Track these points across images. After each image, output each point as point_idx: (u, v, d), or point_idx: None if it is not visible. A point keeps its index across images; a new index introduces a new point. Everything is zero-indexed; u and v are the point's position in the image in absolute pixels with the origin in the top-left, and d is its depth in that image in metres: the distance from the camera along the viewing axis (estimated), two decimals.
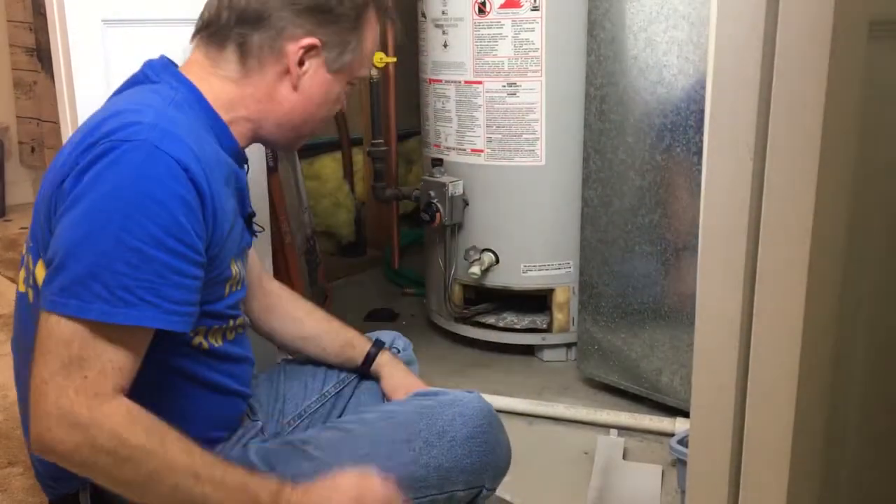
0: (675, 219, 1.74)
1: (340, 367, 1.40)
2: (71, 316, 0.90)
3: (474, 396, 1.20)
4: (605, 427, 1.82)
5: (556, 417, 1.86)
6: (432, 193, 2.10)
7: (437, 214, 2.08)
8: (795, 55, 0.68)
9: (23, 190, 4.11)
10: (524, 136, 2.04)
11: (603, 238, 1.88)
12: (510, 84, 2.01)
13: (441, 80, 2.12)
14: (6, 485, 1.64)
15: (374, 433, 1.14)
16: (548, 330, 2.16)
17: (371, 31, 1.16)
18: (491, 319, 2.22)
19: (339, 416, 1.38)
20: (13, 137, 3.99)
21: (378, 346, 1.39)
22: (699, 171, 1.57)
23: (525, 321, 2.19)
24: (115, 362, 0.92)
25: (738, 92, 0.71)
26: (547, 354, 2.19)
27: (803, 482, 0.77)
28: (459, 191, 2.10)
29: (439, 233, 2.18)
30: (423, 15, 2.16)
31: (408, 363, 1.48)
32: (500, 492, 1.53)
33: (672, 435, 1.66)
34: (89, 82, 1.48)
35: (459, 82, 2.08)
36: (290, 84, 1.11)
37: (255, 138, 1.16)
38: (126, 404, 0.92)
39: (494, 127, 2.05)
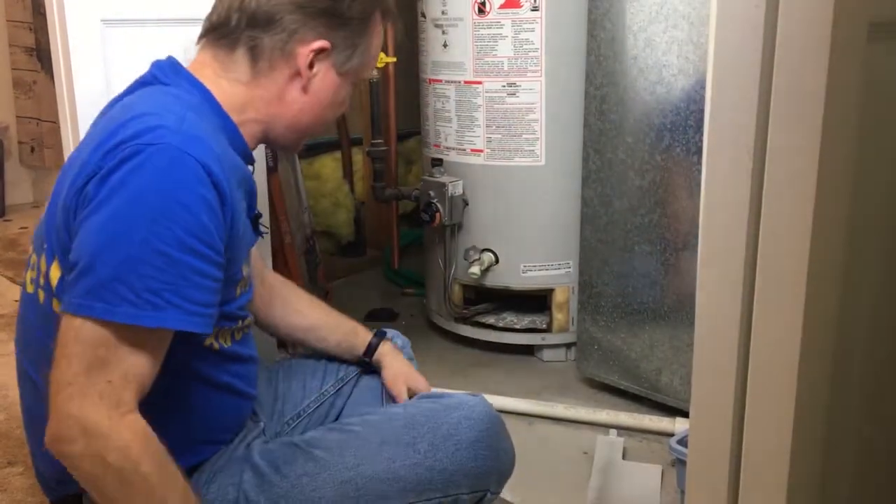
0: (675, 218, 1.74)
1: (341, 358, 1.41)
2: (97, 319, 0.90)
3: (479, 400, 1.20)
4: (605, 427, 1.82)
5: (556, 417, 1.86)
6: (432, 193, 2.10)
7: (437, 214, 2.09)
8: (795, 56, 0.68)
9: (22, 190, 4.11)
10: (524, 136, 2.04)
11: (602, 238, 1.88)
12: (510, 84, 2.01)
13: (441, 80, 2.12)
14: (6, 484, 1.64)
15: (379, 435, 1.14)
16: (547, 330, 2.16)
17: (377, 34, 1.18)
18: (491, 319, 2.22)
19: (338, 416, 1.38)
20: (13, 137, 3.99)
21: (380, 336, 1.41)
22: (699, 171, 1.57)
23: (525, 321, 2.19)
24: (137, 367, 0.93)
25: (737, 92, 0.71)
26: (547, 354, 2.19)
27: (803, 482, 0.77)
28: (459, 191, 2.11)
29: (439, 233, 2.18)
30: (423, 15, 2.16)
31: None
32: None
33: (672, 435, 1.66)
34: (89, 82, 1.48)
35: (459, 82, 2.08)
36: (300, 86, 1.12)
37: (263, 139, 1.16)
38: (143, 425, 0.93)
39: (494, 127, 2.05)
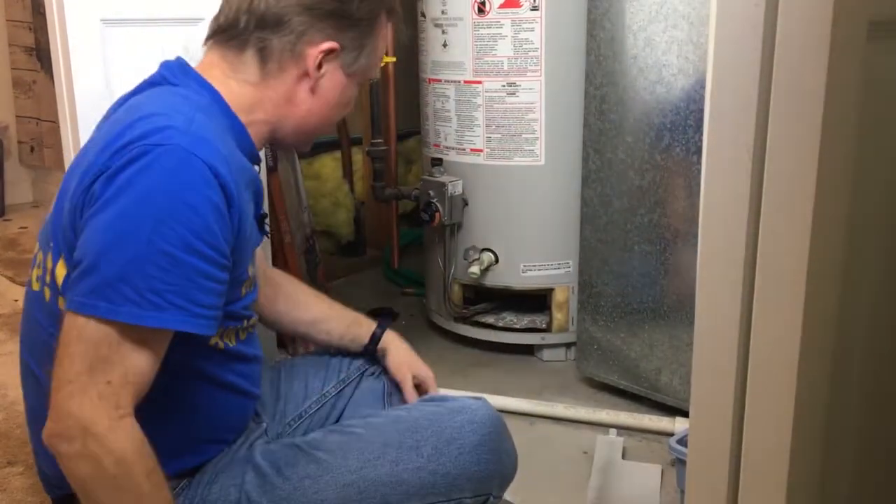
0: (675, 218, 1.74)
1: (346, 349, 1.42)
2: (100, 318, 0.91)
3: (482, 404, 1.20)
4: (605, 426, 1.82)
5: (556, 417, 1.86)
6: (432, 193, 2.10)
7: (437, 214, 2.08)
8: (795, 55, 0.68)
9: (22, 189, 4.11)
10: (523, 135, 2.04)
11: (602, 238, 1.88)
12: (509, 84, 2.01)
13: (440, 80, 2.12)
14: (6, 484, 1.64)
15: (383, 438, 1.14)
16: (547, 329, 2.16)
17: (383, 35, 1.18)
18: (490, 319, 2.22)
19: (339, 417, 1.38)
20: (12, 137, 3.99)
21: (383, 326, 1.43)
22: (698, 171, 1.57)
23: (524, 321, 2.19)
24: (137, 367, 0.93)
25: (737, 92, 0.71)
26: (546, 354, 2.19)
27: (803, 482, 0.77)
28: (459, 190, 2.11)
29: (439, 232, 2.18)
30: (423, 14, 2.16)
31: None
32: None
33: (671, 434, 1.66)
34: (88, 82, 1.48)
35: (459, 82, 2.08)
36: (309, 87, 1.12)
37: (271, 139, 1.17)
38: (139, 431, 0.94)
39: (494, 126, 2.05)
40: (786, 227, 0.71)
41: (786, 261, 0.71)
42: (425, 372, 1.42)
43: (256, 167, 1.17)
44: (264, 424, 1.27)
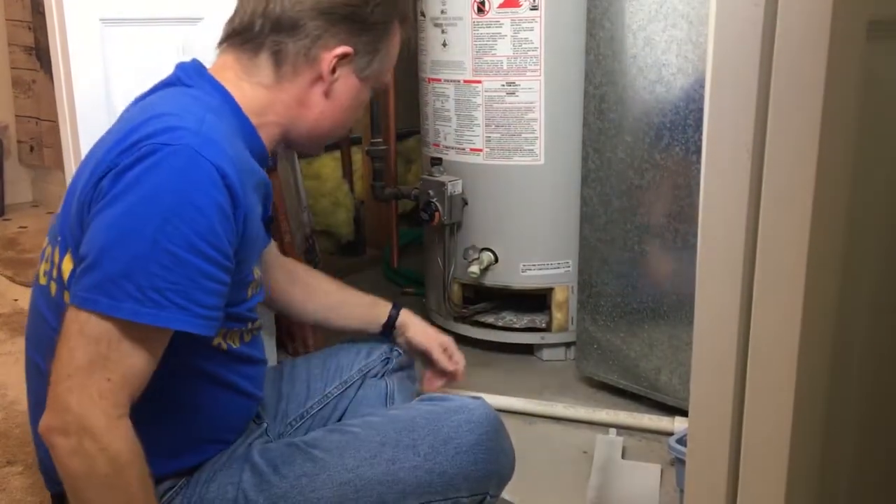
0: (674, 218, 1.74)
1: (364, 331, 1.49)
2: (101, 313, 0.91)
3: (480, 403, 1.20)
4: (604, 426, 1.82)
5: (555, 416, 1.86)
6: (431, 192, 2.10)
7: (436, 213, 2.09)
8: (794, 55, 0.68)
9: (22, 189, 4.11)
10: (523, 135, 2.04)
11: (602, 237, 1.88)
12: (509, 83, 2.01)
13: (440, 80, 2.12)
14: (5, 484, 1.64)
15: (380, 437, 1.14)
16: (547, 329, 2.16)
17: (396, 39, 1.20)
18: (490, 319, 2.22)
19: (341, 417, 1.39)
20: (12, 136, 3.99)
21: (398, 306, 1.51)
22: (698, 170, 1.57)
23: (524, 320, 2.19)
24: (136, 367, 0.94)
25: (736, 91, 0.71)
26: (546, 353, 2.19)
27: (802, 481, 0.77)
28: (458, 190, 2.11)
29: (438, 232, 2.18)
30: (423, 14, 2.16)
31: (407, 367, 1.49)
32: None
33: (671, 434, 1.66)
34: (88, 81, 1.48)
35: (458, 81, 2.08)
36: (322, 91, 1.14)
37: (283, 142, 1.18)
38: (133, 433, 0.94)
39: (493, 126, 2.05)
40: (785, 227, 0.71)
41: (785, 260, 0.71)
42: (445, 338, 1.52)
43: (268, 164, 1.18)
44: (265, 425, 1.28)
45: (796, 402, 0.73)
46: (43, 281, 1.09)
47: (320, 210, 3.03)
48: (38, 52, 3.72)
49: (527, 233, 2.11)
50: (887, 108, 0.81)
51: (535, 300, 2.18)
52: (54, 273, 1.05)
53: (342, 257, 3.11)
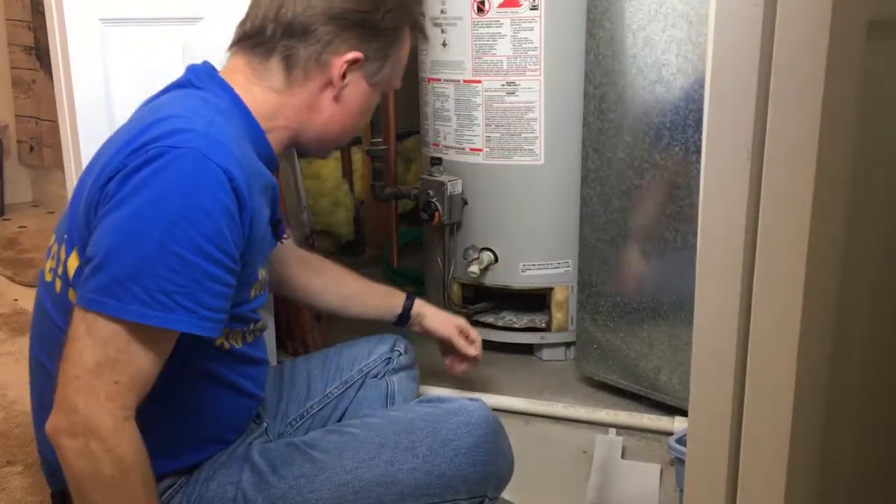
0: (674, 218, 1.74)
1: (379, 320, 1.56)
2: (108, 315, 0.92)
3: (479, 405, 1.21)
4: (604, 426, 1.82)
5: (555, 416, 1.86)
6: (431, 192, 2.10)
7: (436, 213, 2.08)
8: (794, 55, 0.68)
9: (22, 189, 4.11)
10: (523, 134, 2.04)
11: (602, 237, 1.88)
12: (509, 83, 2.01)
13: (440, 80, 2.12)
14: (5, 483, 1.64)
15: (379, 438, 1.14)
16: (547, 329, 2.16)
17: (406, 45, 1.22)
18: (490, 318, 2.22)
19: (341, 418, 1.39)
20: (12, 136, 3.99)
21: (412, 296, 1.59)
22: (698, 170, 1.57)
23: (524, 320, 2.19)
24: (143, 368, 0.95)
25: (736, 91, 0.71)
26: (546, 353, 2.19)
27: (801, 481, 0.77)
28: (458, 190, 2.11)
29: (438, 232, 2.18)
30: (422, 14, 2.15)
31: (408, 367, 1.50)
32: None
33: (671, 434, 1.66)
34: (88, 81, 1.48)
35: (458, 81, 2.08)
36: (332, 95, 1.15)
37: (291, 145, 1.19)
38: (139, 435, 0.95)
39: (493, 126, 2.05)
40: (785, 227, 0.71)
41: (785, 260, 0.71)
42: (460, 321, 1.62)
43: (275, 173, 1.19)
44: (265, 424, 1.28)
45: (796, 402, 0.73)
46: (48, 278, 1.09)
47: (320, 210, 3.03)
48: (37, 52, 3.72)
49: (527, 233, 2.11)
50: (887, 108, 0.81)
51: (535, 300, 2.18)
52: (59, 270, 1.06)
53: (342, 257, 3.10)
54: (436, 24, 2.10)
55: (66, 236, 1.05)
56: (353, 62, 1.13)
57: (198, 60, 1.17)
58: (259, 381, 1.19)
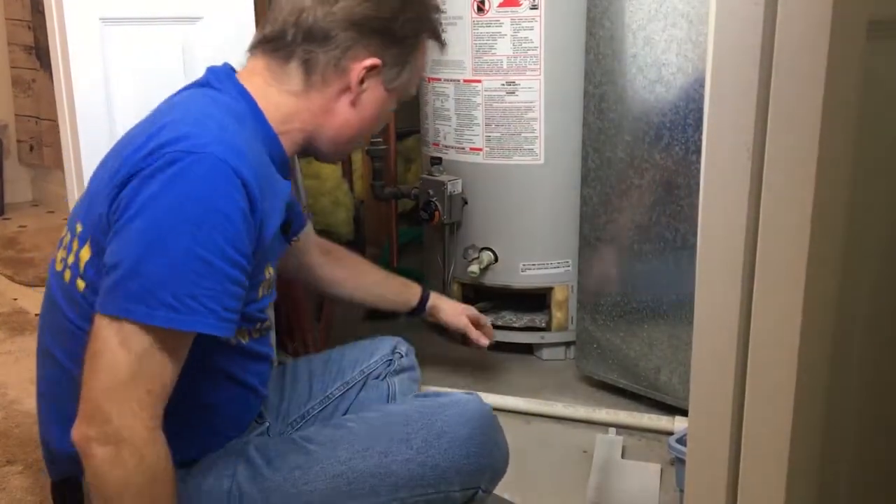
0: (674, 217, 1.74)
1: (395, 311, 1.68)
2: (138, 323, 0.93)
3: (474, 398, 1.21)
4: (604, 425, 1.82)
5: (555, 416, 1.86)
6: (431, 192, 2.10)
7: (436, 213, 2.09)
8: (794, 54, 0.68)
9: (21, 188, 4.11)
10: (523, 134, 2.04)
11: (602, 237, 1.88)
12: (509, 83, 2.01)
13: (440, 79, 2.12)
14: (5, 483, 1.64)
15: (373, 430, 1.15)
16: (547, 328, 2.17)
17: (424, 53, 1.23)
18: (490, 318, 2.21)
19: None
20: (12, 136, 3.99)
21: (426, 290, 1.68)
22: (698, 170, 1.57)
23: (524, 320, 2.19)
24: (170, 375, 0.97)
25: (736, 91, 0.71)
26: (546, 353, 2.19)
27: (802, 481, 0.77)
28: (458, 189, 2.11)
29: (438, 231, 2.18)
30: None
31: (409, 369, 1.50)
32: (499, 490, 1.52)
33: (671, 433, 1.66)
34: (88, 81, 1.48)
35: (458, 81, 2.08)
36: (349, 100, 1.16)
37: (305, 148, 1.20)
38: (166, 444, 0.97)
39: (493, 125, 2.05)
40: (785, 227, 0.71)
41: (785, 260, 0.71)
42: (472, 311, 1.74)
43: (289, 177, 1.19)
44: (266, 424, 1.28)
45: (796, 402, 0.72)
46: (59, 267, 1.11)
47: (320, 209, 3.02)
48: (37, 52, 3.72)
49: (527, 232, 2.11)
50: (887, 108, 0.81)
51: (535, 300, 2.18)
52: (70, 260, 1.07)
53: None
54: None
55: (79, 228, 1.06)
56: (372, 68, 1.14)
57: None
58: (262, 378, 1.20)
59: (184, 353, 0.98)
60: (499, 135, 2.05)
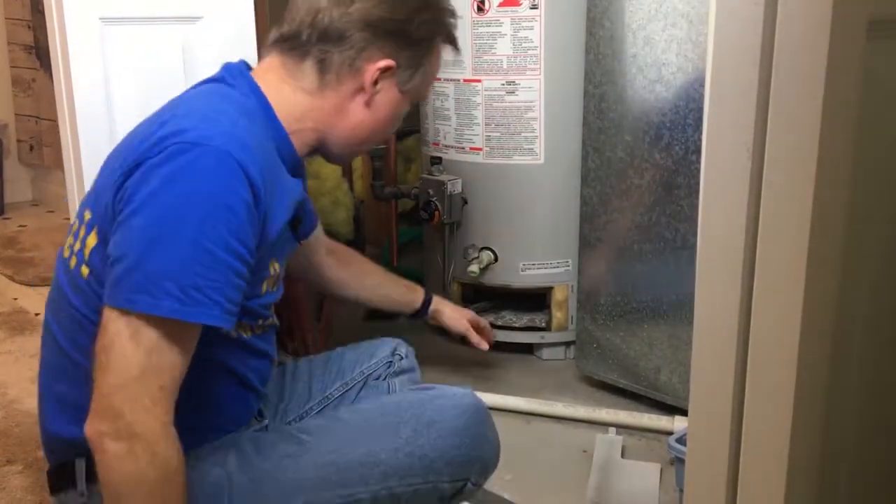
0: (674, 217, 1.74)
1: (398, 312, 1.71)
2: (143, 313, 0.93)
3: (466, 392, 1.22)
4: (604, 425, 1.82)
5: (555, 416, 1.86)
6: (431, 192, 2.10)
7: (436, 213, 2.08)
8: (794, 54, 0.68)
9: (21, 188, 4.11)
10: (523, 134, 2.04)
11: (601, 236, 1.88)
12: (509, 82, 2.01)
13: (440, 79, 2.12)
14: (5, 483, 1.64)
15: (364, 420, 1.17)
16: (546, 328, 2.16)
17: (438, 56, 1.24)
18: (489, 318, 2.21)
19: None
20: (12, 135, 3.99)
21: (429, 293, 1.70)
22: (698, 170, 1.57)
23: (524, 319, 2.19)
24: (180, 369, 0.97)
25: (736, 91, 0.71)
26: (546, 353, 2.19)
27: (801, 481, 0.77)
28: (458, 189, 2.10)
29: (438, 231, 2.18)
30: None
31: (410, 370, 1.50)
32: (499, 490, 1.53)
33: (670, 433, 1.66)
34: (88, 80, 1.48)
35: (458, 80, 2.08)
36: (363, 101, 1.16)
37: (317, 148, 1.21)
38: (178, 440, 0.97)
39: (493, 125, 2.05)
40: (785, 227, 0.71)
41: (785, 260, 0.71)
42: (472, 315, 1.77)
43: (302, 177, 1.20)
44: (265, 422, 1.28)
45: (796, 402, 0.73)
46: (66, 254, 1.11)
47: (320, 209, 3.01)
48: (37, 51, 3.72)
49: (526, 232, 2.11)
50: (887, 108, 0.81)
51: (535, 299, 2.18)
52: (77, 246, 1.08)
53: None
54: None
55: (88, 215, 1.07)
56: (386, 69, 1.14)
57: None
58: (261, 375, 1.20)
59: (192, 346, 0.98)
60: (499, 134, 2.05)
